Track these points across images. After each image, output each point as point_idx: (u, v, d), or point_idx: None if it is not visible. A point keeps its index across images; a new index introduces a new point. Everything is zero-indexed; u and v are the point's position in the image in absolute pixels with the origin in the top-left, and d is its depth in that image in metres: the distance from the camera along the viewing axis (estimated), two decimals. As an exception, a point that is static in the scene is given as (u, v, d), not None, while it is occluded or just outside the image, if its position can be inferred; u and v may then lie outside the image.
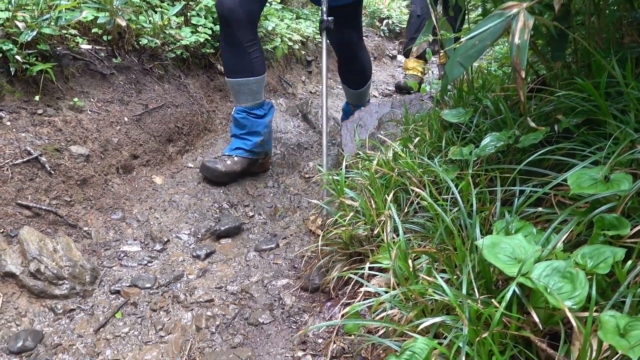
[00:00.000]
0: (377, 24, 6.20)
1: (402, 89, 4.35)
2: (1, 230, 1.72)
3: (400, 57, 5.51)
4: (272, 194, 2.44)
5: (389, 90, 4.57)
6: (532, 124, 1.20)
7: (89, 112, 2.26)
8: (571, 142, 1.25)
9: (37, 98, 2.09)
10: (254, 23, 2.33)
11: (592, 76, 1.36)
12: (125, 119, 2.39)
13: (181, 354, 1.45)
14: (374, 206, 1.50)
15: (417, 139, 1.78)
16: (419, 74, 4.33)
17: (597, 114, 1.24)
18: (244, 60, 2.35)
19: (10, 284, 1.60)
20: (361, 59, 2.78)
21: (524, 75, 1.03)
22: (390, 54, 5.75)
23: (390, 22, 6.24)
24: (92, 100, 2.33)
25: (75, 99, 2.23)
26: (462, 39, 1.29)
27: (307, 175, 2.64)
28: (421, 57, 4.29)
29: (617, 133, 1.14)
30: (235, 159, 2.41)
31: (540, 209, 1.20)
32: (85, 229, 1.93)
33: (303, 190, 2.49)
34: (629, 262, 0.91)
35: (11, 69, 2.02)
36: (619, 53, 1.33)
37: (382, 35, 6.08)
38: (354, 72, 2.83)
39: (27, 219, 1.80)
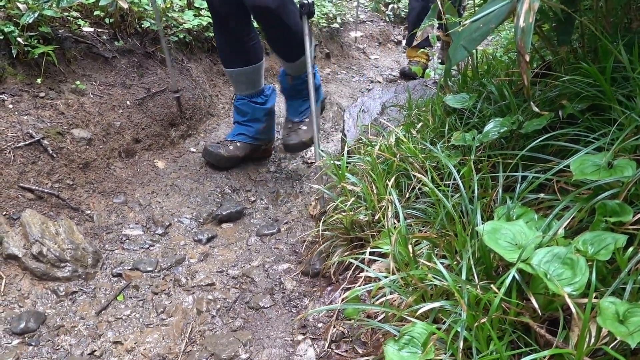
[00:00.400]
0: (383, 8, 6.14)
1: (407, 76, 4.30)
2: (4, 213, 1.72)
3: (405, 44, 5.46)
4: (274, 179, 2.44)
5: (393, 75, 4.53)
6: (536, 109, 1.18)
7: (91, 96, 2.26)
8: (575, 128, 1.23)
9: (39, 81, 2.09)
10: (246, 12, 2.19)
11: (599, 61, 1.34)
12: (128, 102, 2.39)
13: (182, 337, 1.46)
14: (375, 191, 1.49)
15: (420, 124, 1.77)
16: (424, 61, 4.28)
17: (602, 100, 1.22)
18: (239, 50, 2.30)
19: (12, 266, 1.61)
20: (287, 25, 2.12)
21: (528, 59, 1.02)
22: (395, 39, 5.70)
23: (395, 6, 6.17)
24: (94, 83, 2.32)
25: (78, 82, 2.22)
26: (466, 22, 1.27)
27: (309, 161, 2.64)
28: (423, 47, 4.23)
29: (621, 119, 1.12)
30: (238, 144, 2.40)
31: (542, 195, 1.19)
32: (88, 212, 1.94)
33: (305, 175, 2.49)
34: (631, 248, 0.90)
35: (13, 52, 2.01)
36: (626, 38, 1.31)
37: (388, 20, 6.03)
38: (281, 42, 2.24)
39: (29, 201, 1.80)
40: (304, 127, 2.38)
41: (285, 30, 2.12)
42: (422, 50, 4.06)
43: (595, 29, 1.34)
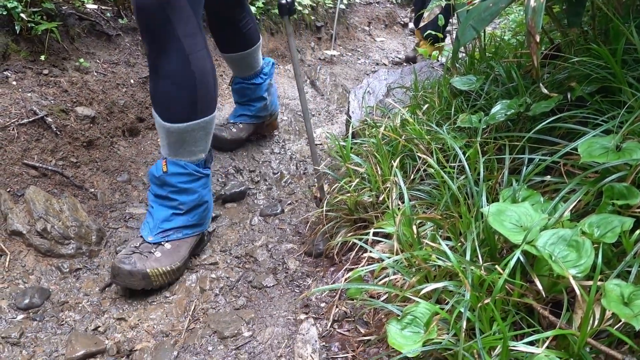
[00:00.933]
0: (389, -10, 6.05)
1: (411, 61, 4.22)
2: (8, 190, 1.73)
3: (412, 25, 5.39)
4: (278, 160, 2.43)
5: (399, 58, 4.49)
6: (545, 91, 1.17)
7: (95, 74, 2.24)
8: (584, 111, 1.22)
9: (42, 58, 2.07)
10: None
11: (609, 43, 1.31)
12: (132, 81, 2.37)
13: (185, 314, 1.46)
14: (379, 173, 1.49)
15: (426, 106, 1.75)
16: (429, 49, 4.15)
17: (612, 82, 1.21)
18: (233, 36, 2.14)
19: (17, 242, 1.61)
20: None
21: (538, 39, 1.00)
22: (402, 22, 5.63)
23: (402, -12, 6.08)
24: (97, 61, 2.30)
25: (81, 60, 2.21)
26: (475, 1, 1.25)
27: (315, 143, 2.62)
28: (433, 41, 4.07)
29: (631, 101, 1.10)
30: (240, 125, 2.38)
31: (548, 177, 1.18)
32: (91, 190, 1.94)
33: (309, 156, 2.48)
34: (637, 231, 0.90)
35: (16, 28, 1.99)
36: (639, 19, 1.28)
37: (394, 1, 5.95)
38: (161, 81, 1.58)
39: (33, 179, 1.80)
40: (158, 254, 1.57)
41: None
42: (429, 35, 3.93)
43: (607, 10, 1.32)
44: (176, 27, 1.42)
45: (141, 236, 1.60)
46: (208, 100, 1.56)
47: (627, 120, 1.06)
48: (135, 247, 1.56)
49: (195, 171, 1.61)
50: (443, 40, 3.58)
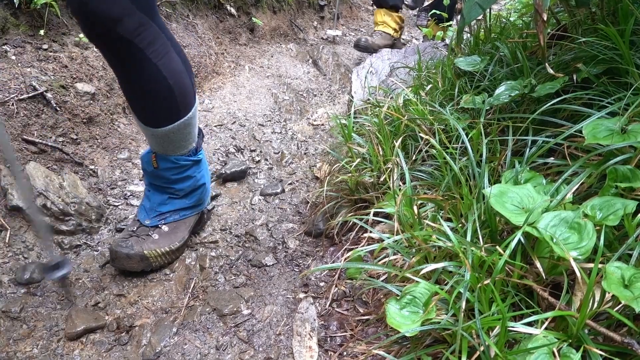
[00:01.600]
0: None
1: (361, 49, 3.50)
2: (7, 165, 1.72)
3: (413, 12, 5.30)
4: (279, 140, 2.42)
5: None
6: (551, 71, 1.15)
7: (95, 50, 2.21)
8: (589, 92, 1.20)
9: (42, 32, 2.05)
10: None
11: (618, 24, 1.29)
12: (132, 57, 2.34)
13: (185, 292, 1.47)
14: (381, 153, 1.48)
15: (430, 86, 1.73)
16: (392, 32, 3.59)
17: (620, 63, 1.19)
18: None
19: (17, 217, 1.61)
20: (143, 64, 1.31)
21: (545, 18, 0.98)
22: (406, 2, 5.55)
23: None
24: (98, 37, 2.27)
25: (81, 35, 2.18)
26: (482, -22, 1.23)
27: (315, 122, 2.61)
28: (395, 7, 3.57)
29: (638, 83, 1.09)
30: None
31: (551, 159, 1.17)
32: (92, 167, 1.93)
33: (310, 136, 2.46)
34: (640, 214, 0.89)
35: (15, 1, 1.96)
36: (648, -1, 1.26)
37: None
38: (134, 92, 1.40)
39: (33, 154, 1.79)
40: (156, 237, 1.51)
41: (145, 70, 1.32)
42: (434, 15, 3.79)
43: (616, -11, 1.29)
44: (134, 41, 1.26)
45: (138, 220, 1.56)
46: (187, 97, 1.44)
47: (633, 102, 1.04)
48: (133, 230, 1.53)
49: (187, 161, 1.54)
50: (449, 20, 3.51)
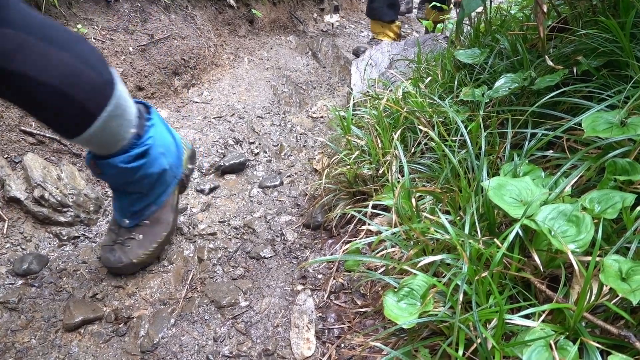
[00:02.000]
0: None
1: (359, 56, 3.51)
2: (5, 156, 1.71)
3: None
4: (278, 132, 2.41)
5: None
6: (551, 63, 1.14)
7: (93, 40, 2.20)
8: (589, 85, 1.20)
9: (39, 23, 2.03)
10: None
11: (618, 16, 1.28)
12: (130, 49, 2.33)
13: (183, 283, 1.47)
14: (380, 145, 1.47)
15: (429, 78, 1.73)
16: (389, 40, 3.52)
17: (620, 56, 1.18)
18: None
19: (15, 209, 1.61)
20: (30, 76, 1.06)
21: (545, 9, 0.97)
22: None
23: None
24: (96, 27, 2.26)
25: (79, 26, 2.16)
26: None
27: (314, 115, 2.60)
28: (391, 21, 3.59)
29: (638, 75, 1.08)
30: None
31: (550, 152, 1.16)
32: (90, 158, 1.93)
33: (309, 129, 2.46)
34: (638, 208, 0.89)
35: (12, -9, 1.95)
36: (650, -8, 1.25)
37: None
38: (29, 111, 1.17)
39: (30, 146, 1.79)
40: (140, 236, 1.47)
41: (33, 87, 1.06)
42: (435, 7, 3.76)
43: (617, -19, 1.28)
44: None
45: (116, 219, 1.47)
46: (96, 92, 1.15)
47: (633, 95, 1.04)
48: (116, 234, 1.46)
49: (131, 164, 1.32)
50: (448, 12, 3.49)
